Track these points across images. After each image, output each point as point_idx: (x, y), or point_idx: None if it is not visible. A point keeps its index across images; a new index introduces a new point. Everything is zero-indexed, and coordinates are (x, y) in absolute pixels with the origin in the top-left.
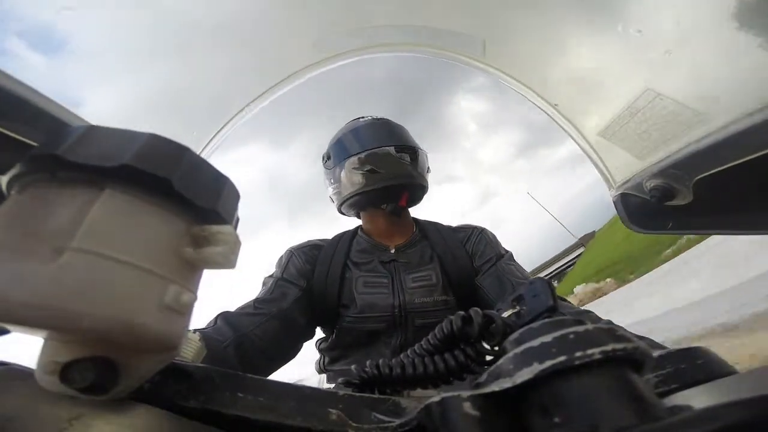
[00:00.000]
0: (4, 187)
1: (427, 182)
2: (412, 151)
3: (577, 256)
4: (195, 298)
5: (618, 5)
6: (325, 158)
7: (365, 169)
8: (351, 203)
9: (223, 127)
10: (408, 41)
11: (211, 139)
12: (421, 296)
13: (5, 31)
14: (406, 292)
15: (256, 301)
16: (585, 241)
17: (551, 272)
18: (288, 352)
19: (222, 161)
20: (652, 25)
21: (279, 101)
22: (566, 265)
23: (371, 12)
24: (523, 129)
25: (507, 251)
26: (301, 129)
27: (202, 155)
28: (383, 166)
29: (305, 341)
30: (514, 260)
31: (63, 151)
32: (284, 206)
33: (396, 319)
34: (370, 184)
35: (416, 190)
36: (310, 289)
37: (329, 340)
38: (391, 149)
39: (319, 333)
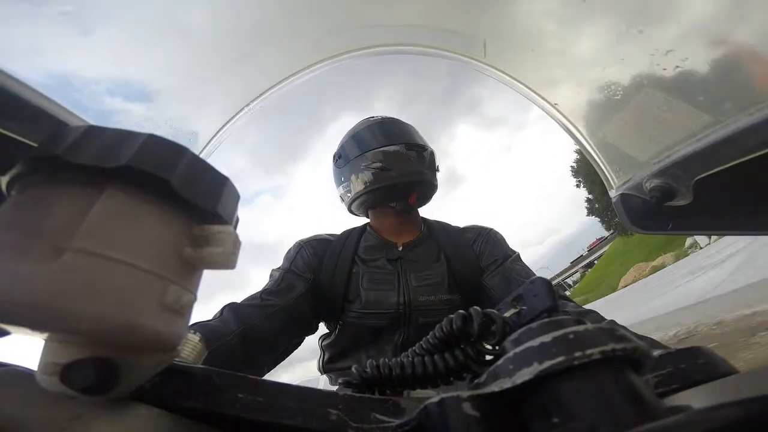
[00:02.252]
0: (4, 188)
1: (436, 180)
2: (421, 150)
3: None
4: (194, 299)
5: (618, 5)
6: (336, 158)
7: (375, 167)
8: (361, 201)
9: (222, 128)
10: (408, 41)
11: (211, 139)
12: (426, 294)
13: (98, 94)
14: (411, 290)
15: (264, 292)
16: None
17: None
18: (292, 345)
19: (326, 137)
20: (653, 24)
21: (352, 71)
22: None
23: (371, 12)
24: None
25: (514, 252)
26: (378, 90)
27: (202, 155)
28: (393, 164)
29: (308, 335)
30: (521, 260)
31: (63, 152)
32: None
33: (400, 316)
34: (380, 182)
35: (426, 188)
36: (317, 282)
37: (332, 336)
38: (401, 147)
39: (323, 329)
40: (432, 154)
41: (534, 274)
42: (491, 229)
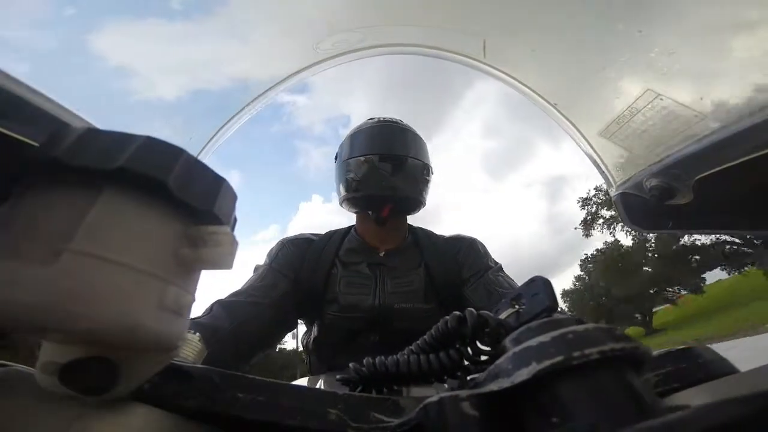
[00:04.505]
0: (3, 189)
1: (418, 193)
2: (397, 161)
3: None
4: (193, 299)
5: (619, 5)
6: (335, 157)
7: (349, 177)
8: (345, 205)
9: (220, 129)
10: (408, 41)
11: (209, 141)
12: (401, 302)
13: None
14: (387, 296)
15: (249, 288)
16: None
17: None
18: (276, 340)
19: (462, 106)
20: (653, 24)
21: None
22: None
23: (371, 12)
24: None
25: (496, 263)
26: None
27: (200, 157)
28: (362, 176)
29: (290, 331)
30: (503, 271)
31: (61, 154)
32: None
33: (375, 319)
34: (353, 192)
35: (401, 202)
36: (298, 280)
37: (311, 335)
38: (374, 158)
39: (303, 328)
40: (415, 165)
41: (517, 284)
42: (475, 240)
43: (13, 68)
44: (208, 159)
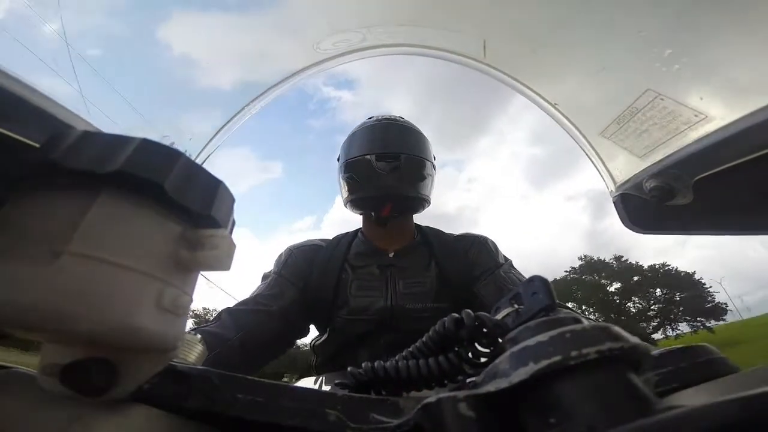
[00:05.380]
0: (3, 191)
1: (419, 191)
2: (395, 159)
3: None
4: (191, 300)
5: (619, 5)
6: (337, 159)
7: (347, 178)
8: (349, 206)
9: (219, 131)
10: (408, 41)
11: (208, 143)
12: (413, 302)
13: (317, 87)
14: (399, 297)
15: (257, 296)
16: None
17: None
18: (285, 347)
19: (508, 112)
20: (653, 24)
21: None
22: None
23: (371, 12)
24: None
25: (507, 259)
26: None
27: (200, 159)
28: (361, 176)
29: (300, 338)
30: (514, 268)
31: (59, 157)
32: None
33: (386, 321)
34: (354, 193)
35: (400, 200)
36: (307, 288)
37: (322, 339)
38: (372, 158)
39: (314, 331)
40: (413, 162)
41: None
42: (486, 238)
43: (89, 54)
44: (205, 163)
